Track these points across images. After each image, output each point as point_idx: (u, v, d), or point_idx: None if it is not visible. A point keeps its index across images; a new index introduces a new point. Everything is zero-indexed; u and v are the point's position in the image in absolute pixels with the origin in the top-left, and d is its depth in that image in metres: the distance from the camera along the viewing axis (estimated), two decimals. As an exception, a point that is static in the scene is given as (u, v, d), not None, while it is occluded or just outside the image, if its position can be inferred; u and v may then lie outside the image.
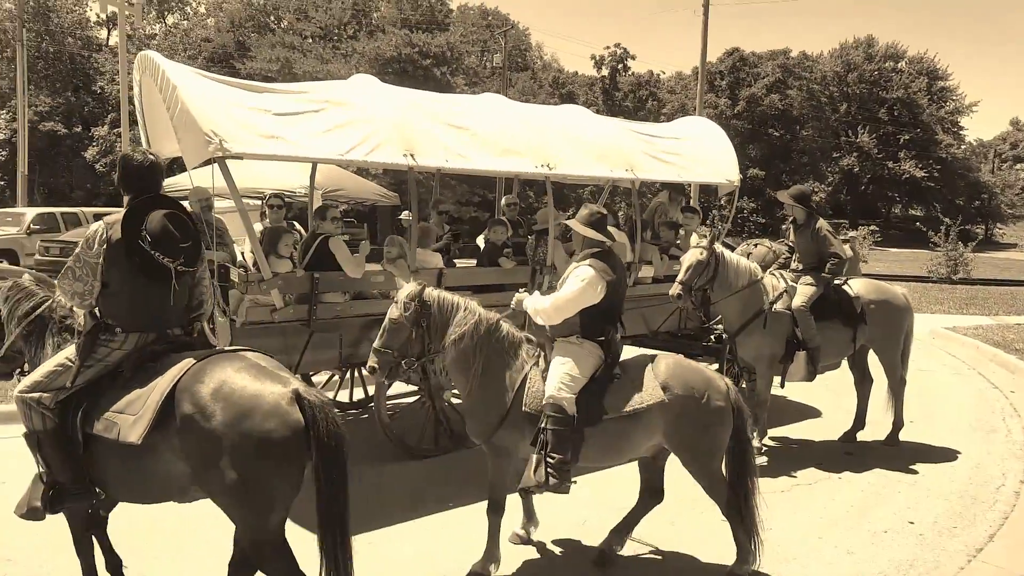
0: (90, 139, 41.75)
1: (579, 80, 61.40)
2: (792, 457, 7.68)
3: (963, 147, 63.04)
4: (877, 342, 8.00)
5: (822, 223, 7.92)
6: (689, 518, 6.01)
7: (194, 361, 3.84)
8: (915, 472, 7.30)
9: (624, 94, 57.63)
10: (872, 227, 31.56)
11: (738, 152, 10.36)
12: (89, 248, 3.98)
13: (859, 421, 8.24)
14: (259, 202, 9.94)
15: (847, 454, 7.79)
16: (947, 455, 7.82)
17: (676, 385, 4.82)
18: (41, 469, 4.03)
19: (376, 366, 4.93)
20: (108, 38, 49.44)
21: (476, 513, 5.35)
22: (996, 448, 8.10)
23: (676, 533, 5.80)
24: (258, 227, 7.81)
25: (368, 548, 5.26)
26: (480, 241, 9.17)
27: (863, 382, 8.37)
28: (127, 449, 3.72)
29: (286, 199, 8.97)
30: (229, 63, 41.59)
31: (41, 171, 39.22)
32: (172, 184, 12.08)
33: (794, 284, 7.76)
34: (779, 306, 7.56)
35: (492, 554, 5.00)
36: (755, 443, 7.57)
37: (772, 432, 8.13)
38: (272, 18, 51.58)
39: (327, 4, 48.63)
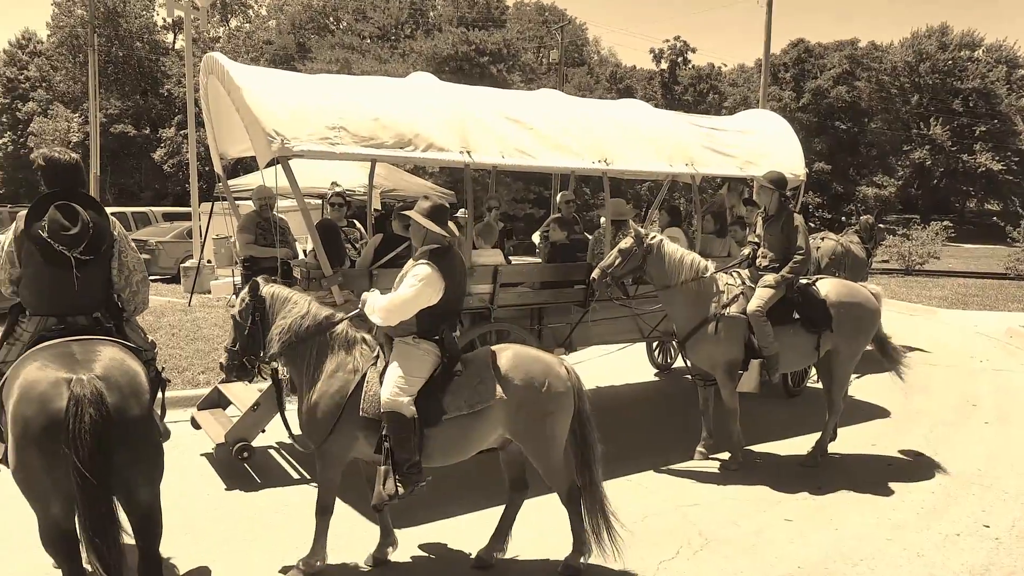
0: (158, 140, 42.98)
1: (637, 74, 61.04)
2: (859, 457, 7.48)
3: (1045, 137, 60.88)
4: (840, 349, 7.22)
5: (796, 216, 7.28)
6: (752, 517, 5.92)
7: (39, 348, 3.94)
8: (990, 474, 7.04)
9: (684, 88, 57.11)
10: (945, 222, 30.51)
11: (803, 146, 10.10)
12: (7, 239, 4.27)
13: (826, 433, 7.40)
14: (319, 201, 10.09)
15: (917, 455, 7.55)
16: (1024, 456, 7.53)
17: (516, 377, 4.76)
18: None
19: (223, 363, 4.95)
20: (174, 42, 50.82)
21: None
22: (1076, 449, 7.79)
23: (741, 534, 5.71)
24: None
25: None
26: (536, 238, 9.08)
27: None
28: None
29: (346, 197, 9.10)
30: (290, 64, 42.33)
31: (112, 172, 40.59)
32: (239, 184, 12.37)
33: (752, 285, 7.12)
34: (734, 309, 6.93)
35: (317, 552, 4.90)
36: (731, 456, 7.09)
37: (840, 431, 7.76)
38: (331, 19, 52.46)
39: (385, 4, 49.22)
